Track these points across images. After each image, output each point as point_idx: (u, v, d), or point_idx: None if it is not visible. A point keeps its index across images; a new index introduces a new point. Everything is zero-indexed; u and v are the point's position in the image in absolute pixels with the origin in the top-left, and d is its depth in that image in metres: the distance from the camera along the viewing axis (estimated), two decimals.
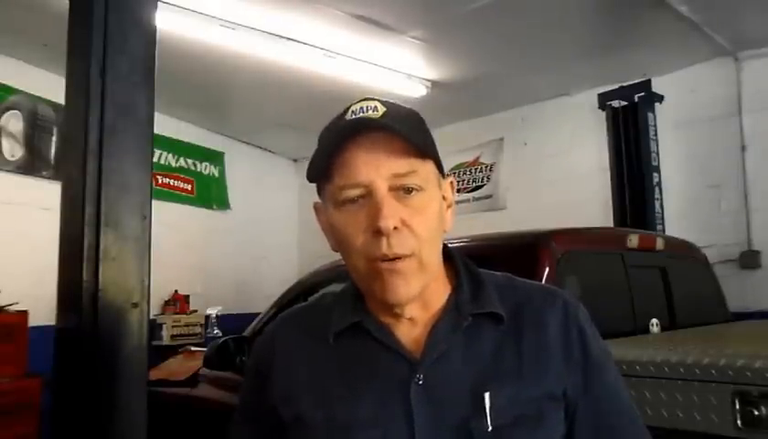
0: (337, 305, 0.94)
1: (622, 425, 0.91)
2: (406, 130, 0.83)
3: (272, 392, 0.92)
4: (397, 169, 0.84)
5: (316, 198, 0.94)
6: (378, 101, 0.87)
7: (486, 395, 0.83)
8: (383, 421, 0.84)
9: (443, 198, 0.92)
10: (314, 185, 0.92)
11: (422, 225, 0.85)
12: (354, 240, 0.85)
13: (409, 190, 0.84)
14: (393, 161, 0.84)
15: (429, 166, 0.88)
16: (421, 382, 0.85)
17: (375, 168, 0.83)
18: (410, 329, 0.90)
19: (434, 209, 0.87)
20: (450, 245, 0.96)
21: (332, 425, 0.85)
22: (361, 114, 0.85)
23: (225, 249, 6.60)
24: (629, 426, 0.92)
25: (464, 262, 0.97)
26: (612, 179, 4.96)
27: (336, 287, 1.00)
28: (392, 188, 0.84)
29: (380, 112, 0.85)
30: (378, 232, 0.82)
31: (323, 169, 0.87)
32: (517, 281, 0.97)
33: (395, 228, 0.82)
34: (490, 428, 0.82)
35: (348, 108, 0.88)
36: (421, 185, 0.85)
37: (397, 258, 0.83)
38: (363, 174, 0.83)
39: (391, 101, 0.89)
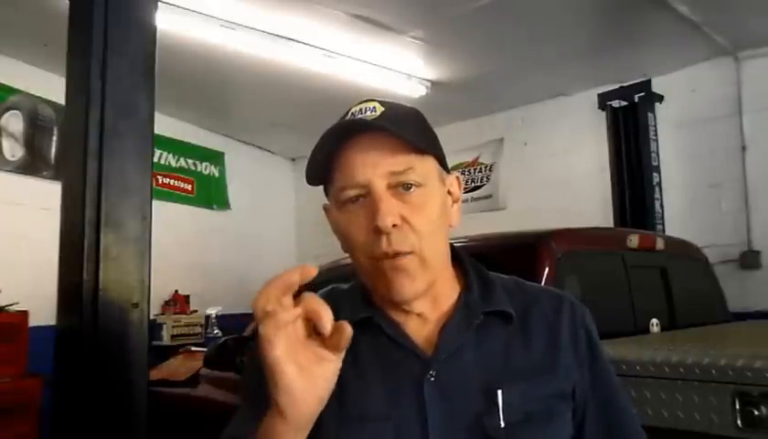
0: (346, 301, 0.95)
1: (626, 423, 0.95)
2: (401, 128, 0.84)
3: None
4: (394, 167, 0.85)
5: (315, 199, 0.96)
6: (378, 102, 0.88)
7: (499, 392, 0.85)
8: (396, 416, 0.84)
9: (449, 193, 0.93)
10: (312, 186, 0.93)
11: (423, 221, 0.85)
12: (356, 240, 0.86)
13: (408, 187, 0.85)
14: (390, 159, 0.85)
15: (429, 163, 0.89)
16: (433, 379, 0.85)
17: (372, 167, 0.84)
18: (421, 327, 0.91)
19: (435, 205, 0.88)
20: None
21: (344, 419, 0.85)
22: (359, 116, 0.87)
23: (225, 249, 6.60)
24: (632, 424, 0.96)
25: (472, 263, 0.98)
26: (612, 179, 4.96)
27: (342, 285, 1.00)
28: (391, 186, 0.85)
29: (378, 113, 0.86)
30: (377, 231, 0.83)
31: (321, 173, 0.89)
32: (524, 283, 0.99)
33: (394, 225, 0.83)
34: (503, 425, 0.83)
35: (348, 110, 0.89)
36: (419, 181, 0.86)
37: (398, 254, 0.84)
38: (360, 174, 0.85)
39: (393, 101, 0.90)
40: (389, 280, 0.85)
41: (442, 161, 0.92)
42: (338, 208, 0.88)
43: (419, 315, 0.90)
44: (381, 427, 0.84)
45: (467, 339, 0.89)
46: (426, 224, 0.86)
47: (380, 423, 0.84)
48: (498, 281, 0.96)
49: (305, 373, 0.73)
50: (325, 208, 0.95)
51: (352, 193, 0.86)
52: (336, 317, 0.92)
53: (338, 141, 0.86)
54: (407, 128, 0.85)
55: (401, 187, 0.85)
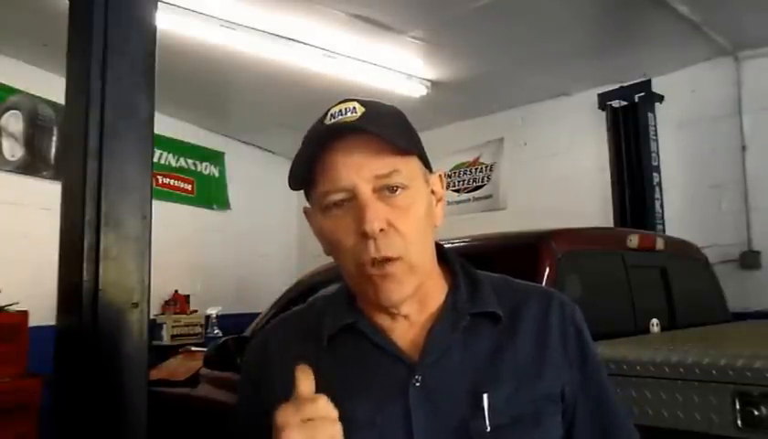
0: (330, 307, 0.94)
1: (618, 423, 0.93)
2: (385, 129, 0.83)
3: (267, 398, 0.91)
4: (378, 170, 0.83)
5: None
6: (358, 101, 0.86)
7: (485, 396, 0.83)
8: (381, 423, 0.83)
9: (433, 192, 0.91)
10: (294, 190, 0.92)
11: (409, 225, 0.84)
12: (342, 245, 0.85)
13: (393, 189, 0.84)
14: (374, 162, 0.83)
15: (413, 163, 0.87)
16: (418, 384, 0.84)
17: (356, 171, 0.83)
18: (407, 330, 0.89)
19: (421, 207, 0.87)
20: (450, 245, 0.96)
21: None
22: (339, 118, 0.84)
23: (225, 249, 6.60)
24: (624, 424, 0.94)
25: (460, 262, 0.96)
26: (612, 179, 4.96)
27: (330, 289, 1.00)
28: (376, 189, 0.83)
29: (359, 114, 0.84)
30: (364, 235, 0.82)
31: (304, 177, 0.87)
32: (513, 282, 0.97)
33: (381, 230, 0.82)
34: (488, 429, 0.82)
35: (328, 111, 0.87)
36: (405, 183, 0.85)
37: (386, 260, 0.83)
38: (345, 178, 0.83)
39: (373, 100, 0.88)
40: (377, 286, 0.84)
41: (424, 160, 0.90)
42: (322, 212, 0.87)
43: (405, 316, 0.89)
44: (367, 435, 0.83)
45: (454, 342, 0.87)
46: (413, 228, 0.84)
47: (368, 432, 0.83)
48: (487, 280, 0.94)
49: None
50: (306, 212, 0.93)
51: (337, 197, 0.84)
52: (320, 326, 0.91)
53: (321, 144, 0.84)
54: (390, 129, 0.84)
55: (387, 190, 0.83)
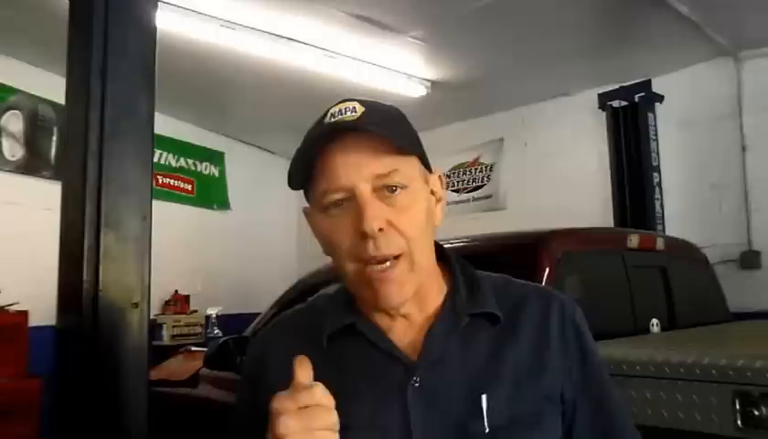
0: (330, 307, 0.94)
1: (619, 423, 0.93)
2: (384, 129, 0.83)
3: (267, 397, 0.91)
4: (378, 170, 0.83)
5: None
6: (358, 101, 0.86)
7: (483, 397, 0.83)
8: (380, 423, 0.83)
9: (432, 192, 0.91)
10: (294, 190, 0.91)
11: (409, 224, 0.84)
12: (341, 245, 0.85)
13: (393, 189, 0.83)
14: (373, 162, 0.83)
15: (412, 163, 0.87)
16: (417, 385, 0.84)
17: (356, 171, 0.82)
18: (406, 330, 0.89)
19: (421, 206, 0.87)
20: (450, 245, 0.96)
21: None
22: (339, 117, 0.84)
23: (225, 249, 6.60)
24: (625, 424, 0.94)
25: (459, 262, 0.96)
26: (612, 179, 4.96)
27: (331, 288, 1.00)
28: (376, 189, 0.83)
29: (359, 113, 0.84)
30: (363, 235, 0.81)
31: (303, 176, 0.87)
32: (514, 282, 0.97)
33: (380, 229, 0.82)
34: (487, 430, 0.82)
35: (328, 111, 0.87)
36: (404, 183, 0.84)
37: (386, 260, 0.82)
38: (344, 177, 0.83)
39: (373, 100, 0.88)
40: (376, 289, 0.84)
41: (424, 160, 0.90)
42: (321, 211, 0.86)
43: (404, 316, 0.89)
44: (366, 435, 0.83)
45: (453, 343, 0.87)
46: (413, 227, 0.84)
47: (366, 432, 0.83)
48: (487, 280, 0.94)
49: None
50: (305, 212, 0.93)
51: (336, 197, 0.84)
52: (320, 326, 0.91)
53: (320, 143, 0.84)
54: (390, 129, 0.84)
55: (386, 190, 0.83)
